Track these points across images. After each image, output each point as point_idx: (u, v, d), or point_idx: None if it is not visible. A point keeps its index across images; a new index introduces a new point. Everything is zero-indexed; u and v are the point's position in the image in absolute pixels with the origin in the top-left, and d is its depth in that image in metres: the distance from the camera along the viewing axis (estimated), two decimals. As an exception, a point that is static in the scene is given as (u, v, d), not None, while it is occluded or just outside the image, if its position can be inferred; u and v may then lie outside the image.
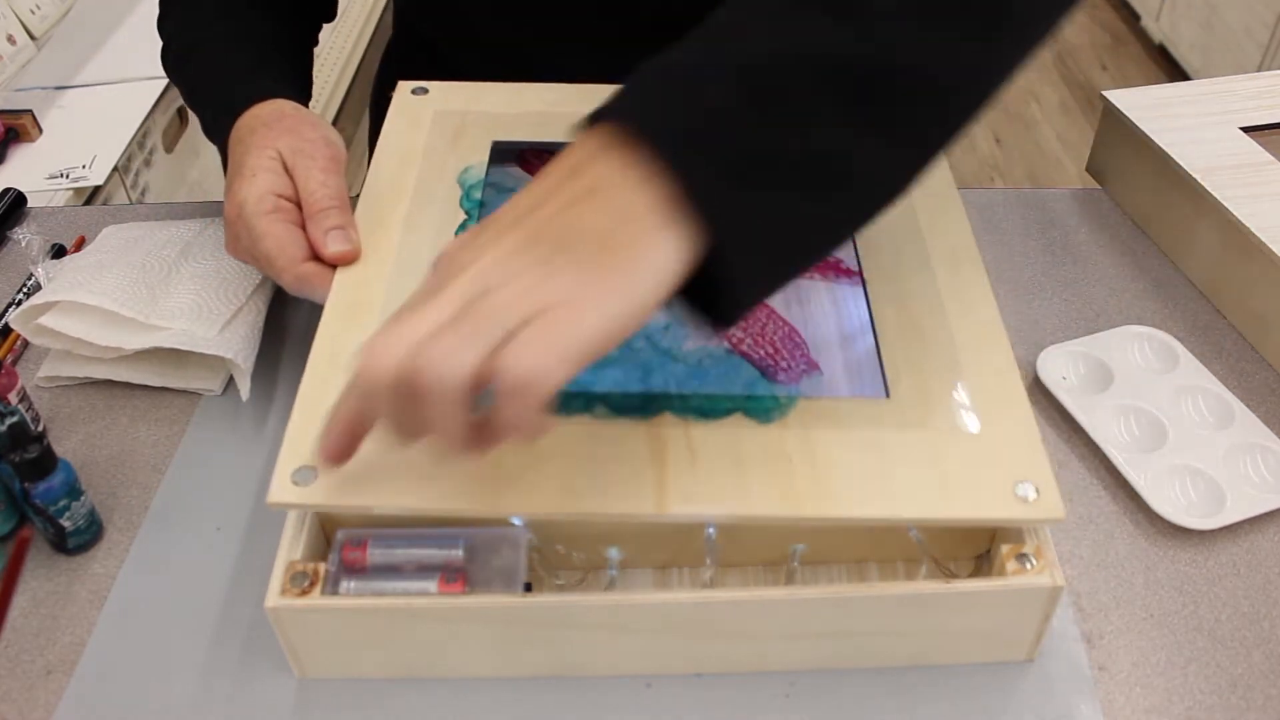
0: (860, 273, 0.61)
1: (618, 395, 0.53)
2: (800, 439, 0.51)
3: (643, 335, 0.57)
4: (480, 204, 0.64)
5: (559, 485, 0.50)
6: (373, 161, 0.68)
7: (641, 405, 0.53)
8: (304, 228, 0.61)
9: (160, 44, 0.78)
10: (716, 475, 0.50)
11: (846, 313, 0.59)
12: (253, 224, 0.60)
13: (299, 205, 0.62)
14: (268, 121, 0.65)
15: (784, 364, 0.56)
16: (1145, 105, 0.79)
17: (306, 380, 0.54)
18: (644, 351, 0.56)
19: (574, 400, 0.53)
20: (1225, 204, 0.70)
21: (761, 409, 0.53)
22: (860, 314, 0.59)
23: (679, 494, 0.49)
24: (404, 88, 0.73)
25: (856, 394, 0.55)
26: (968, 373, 0.55)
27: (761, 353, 0.56)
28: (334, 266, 0.60)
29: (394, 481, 0.50)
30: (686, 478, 0.50)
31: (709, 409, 0.53)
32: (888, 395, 0.54)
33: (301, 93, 0.75)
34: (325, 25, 0.85)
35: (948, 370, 0.55)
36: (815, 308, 0.60)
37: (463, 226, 0.63)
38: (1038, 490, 0.50)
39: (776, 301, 0.59)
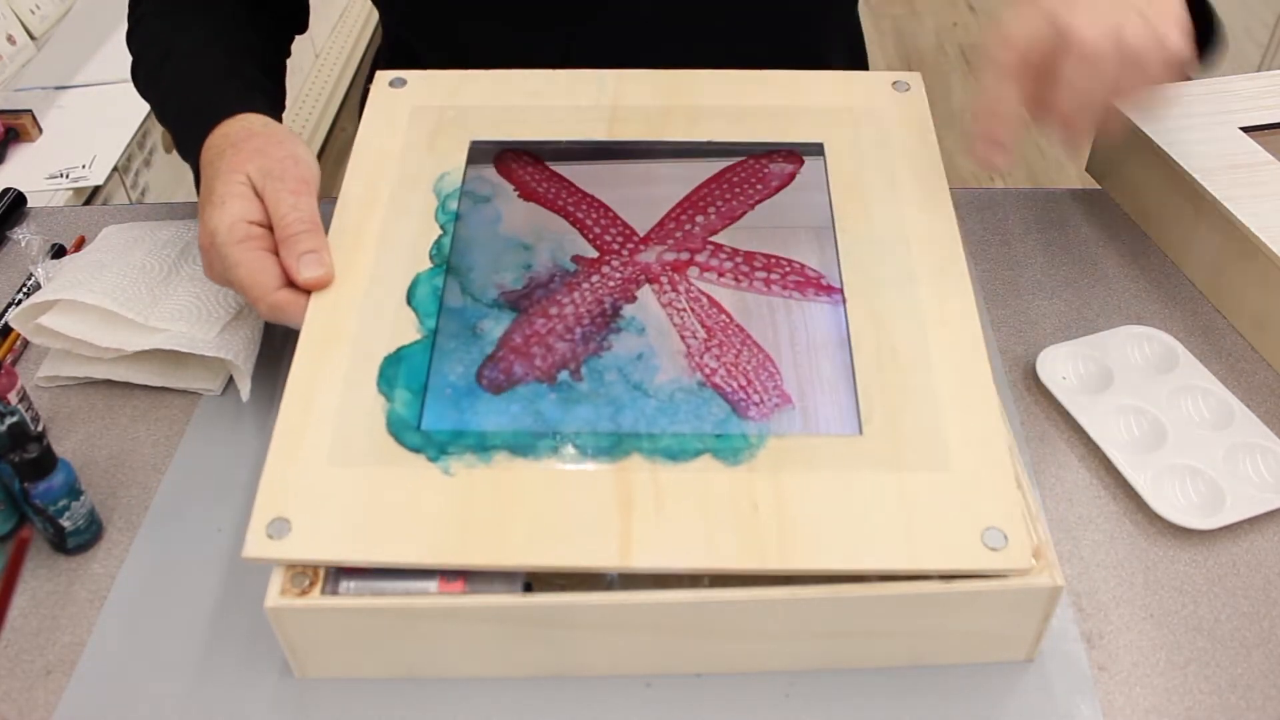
0: (841, 290, 0.60)
1: (587, 436, 0.53)
2: (768, 484, 0.51)
3: (615, 368, 0.56)
4: (456, 216, 0.63)
5: (525, 536, 0.50)
6: (349, 167, 0.66)
7: (610, 447, 0.53)
8: (277, 253, 0.60)
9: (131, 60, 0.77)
10: (682, 525, 0.50)
11: (824, 337, 0.58)
12: (225, 253, 0.59)
13: (271, 229, 0.61)
14: (236, 142, 0.64)
15: (756, 398, 0.55)
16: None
17: (280, 429, 0.53)
18: (615, 386, 0.56)
19: (543, 441, 0.53)
20: (1225, 204, 0.70)
21: (731, 450, 0.52)
22: (839, 338, 0.57)
23: (643, 546, 0.49)
24: (381, 79, 0.72)
25: (829, 429, 0.54)
26: (945, 407, 0.54)
27: (734, 385, 0.56)
28: (308, 291, 0.59)
29: (364, 535, 0.50)
30: (651, 528, 0.50)
31: (678, 450, 0.52)
32: (860, 431, 0.53)
33: (272, 103, 0.73)
34: (326, 26, 0.86)
35: (925, 404, 0.54)
36: (793, 330, 0.59)
37: (437, 244, 0.62)
38: (1006, 537, 0.49)
39: (753, 325, 0.59)
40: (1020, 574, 0.50)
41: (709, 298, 0.60)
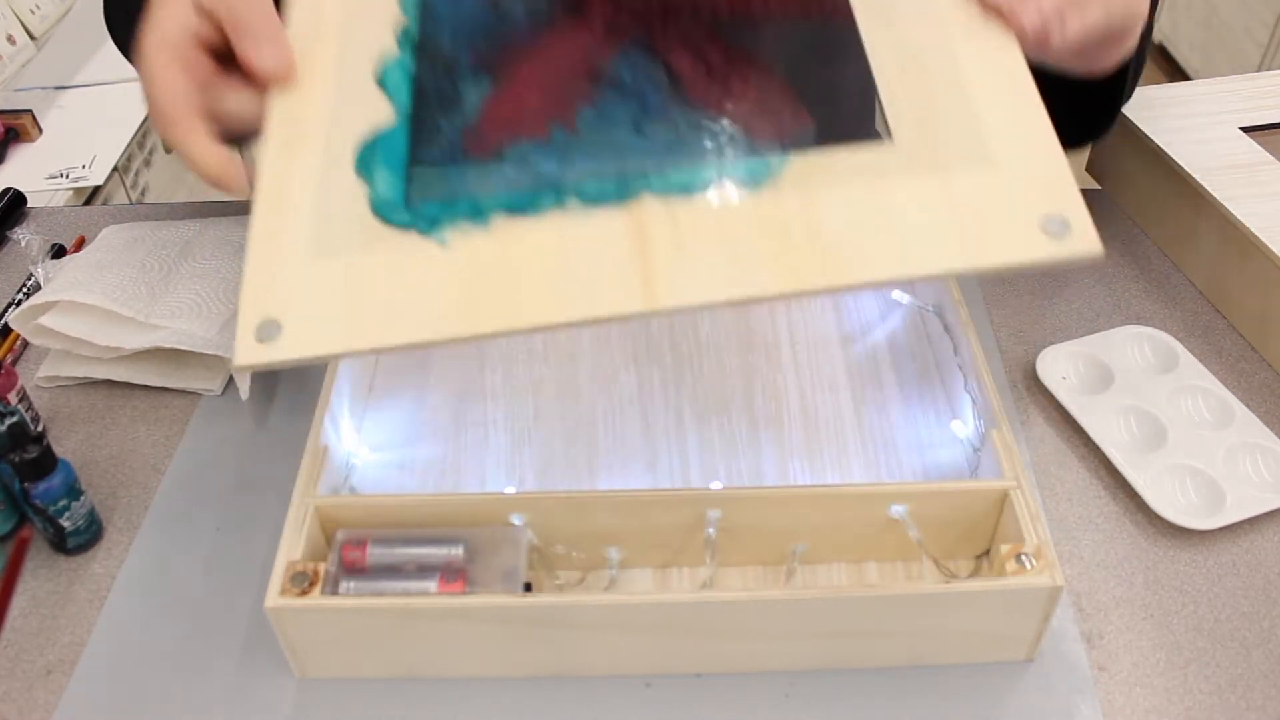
0: (849, 4, 0.53)
1: (590, 183, 0.48)
2: (798, 204, 0.46)
3: (610, 113, 0.52)
4: (421, 3, 0.57)
5: (537, 295, 0.45)
6: None
7: (618, 190, 0.48)
8: (217, 76, 0.52)
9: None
10: (708, 258, 0.45)
11: (837, 53, 0.53)
12: (145, 68, 0.51)
13: (218, 56, 0.53)
14: None
15: (770, 120, 0.50)
16: (1145, 105, 0.79)
17: (255, 230, 0.48)
18: (614, 130, 0.51)
19: (543, 196, 0.48)
20: (1225, 204, 0.70)
21: (750, 174, 0.47)
22: (853, 50, 0.52)
23: (668, 285, 0.44)
24: None
25: (855, 140, 0.48)
26: (979, 100, 0.49)
27: (744, 110, 0.51)
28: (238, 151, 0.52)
29: (361, 323, 0.46)
30: (674, 266, 0.45)
31: (692, 183, 0.47)
32: (891, 137, 0.48)
33: None
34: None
35: (957, 100, 0.49)
36: (802, 53, 0.55)
37: (405, 33, 0.55)
38: (1067, 223, 0.44)
39: (760, 51, 0.54)
40: (1089, 258, 0.45)
41: (706, 31, 0.55)
